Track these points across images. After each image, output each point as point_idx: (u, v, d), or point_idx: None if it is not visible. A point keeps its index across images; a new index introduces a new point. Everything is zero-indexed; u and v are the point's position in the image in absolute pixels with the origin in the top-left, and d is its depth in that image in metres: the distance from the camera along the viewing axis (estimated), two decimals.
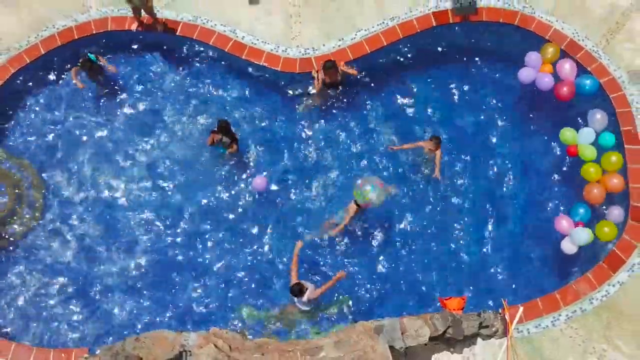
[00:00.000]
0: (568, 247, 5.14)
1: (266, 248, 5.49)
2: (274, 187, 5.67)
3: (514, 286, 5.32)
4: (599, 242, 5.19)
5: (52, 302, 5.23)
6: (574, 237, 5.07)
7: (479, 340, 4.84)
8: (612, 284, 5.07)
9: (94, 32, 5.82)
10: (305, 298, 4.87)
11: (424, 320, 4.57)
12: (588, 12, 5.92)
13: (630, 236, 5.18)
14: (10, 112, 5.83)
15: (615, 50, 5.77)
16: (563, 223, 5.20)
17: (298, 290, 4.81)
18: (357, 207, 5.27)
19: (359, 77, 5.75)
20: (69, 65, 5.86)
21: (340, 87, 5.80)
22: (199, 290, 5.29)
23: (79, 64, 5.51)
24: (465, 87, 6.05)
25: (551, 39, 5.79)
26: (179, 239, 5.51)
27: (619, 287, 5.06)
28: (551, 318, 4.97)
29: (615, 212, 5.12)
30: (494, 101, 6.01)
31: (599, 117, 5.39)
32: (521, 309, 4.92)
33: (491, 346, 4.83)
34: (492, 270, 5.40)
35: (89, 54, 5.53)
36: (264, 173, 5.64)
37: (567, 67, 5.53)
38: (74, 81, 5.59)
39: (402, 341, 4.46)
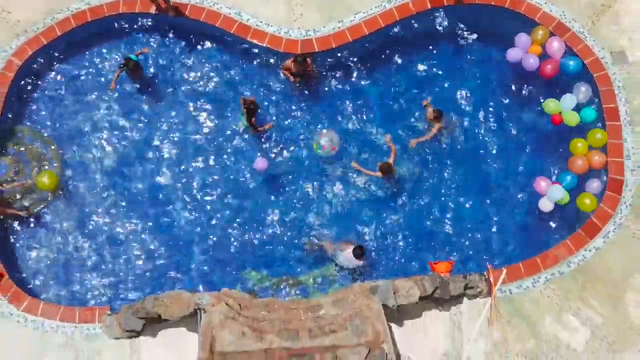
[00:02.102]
0: (545, 204, 5.29)
1: (273, 218, 5.63)
2: (285, 155, 5.77)
3: (499, 251, 5.47)
4: (578, 212, 5.31)
5: (77, 265, 5.43)
6: (550, 194, 5.19)
7: (465, 299, 5.02)
8: (589, 249, 5.20)
9: (106, 14, 5.78)
10: (360, 263, 5.03)
11: (414, 281, 4.75)
12: None
13: (607, 206, 5.28)
14: (29, 92, 5.86)
15: (601, 31, 5.72)
16: (542, 184, 5.32)
17: (361, 254, 4.96)
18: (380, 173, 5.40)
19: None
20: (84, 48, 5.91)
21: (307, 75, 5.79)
22: (210, 254, 5.48)
23: (121, 66, 5.48)
24: (458, 66, 6.03)
25: (540, 21, 5.74)
26: (192, 207, 5.66)
27: (594, 252, 5.19)
28: (531, 280, 5.13)
29: (594, 185, 5.21)
30: (485, 79, 6.00)
31: (583, 89, 5.44)
32: (504, 271, 5.08)
33: (476, 305, 5.01)
34: (479, 236, 5.54)
35: (130, 55, 5.53)
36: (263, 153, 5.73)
37: (555, 45, 5.51)
38: (112, 85, 5.61)
39: (395, 300, 4.65)
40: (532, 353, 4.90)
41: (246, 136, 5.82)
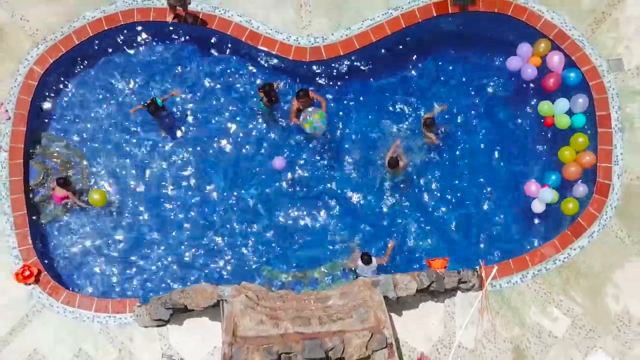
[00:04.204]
0: (537, 206, 6.91)
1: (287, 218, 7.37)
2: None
3: (491, 249, 7.22)
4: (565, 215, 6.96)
5: (109, 262, 7.22)
6: (541, 197, 6.80)
7: (459, 293, 6.77)
8: (574, 248, 6.89)
9: (121, 22, 7.23)
10: (373, 265, 6.63)
11: (412, 276, 6.47)
12: (577, 2, 7.24)
13: (594, 208, 6.94)
14: (52, 99, 7.44)
15: (599, 39, 7.17)
16: (532, 187, 6.93)
17: (368, 260, 6.55)
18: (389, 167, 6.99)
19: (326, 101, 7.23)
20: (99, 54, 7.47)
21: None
22: (229, 253, 7.26)
23: (145, 104, 6.87)
24: (461, 73, 7.58)
25: (541, 29, 7.17)
26: (211, 208, 7.38)
27: (579, 250, 6.88)
28: (520, 275, 6.85)
29: (580, 189, 6.84)
30: (486, 85, 7.54)
31: (580, 101, 6.92)
32: (496, 268, 6.78)
33: (468, 297, 6.76)
34: (474, 235, 7.28)
35: (156, 98, 6.94)
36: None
37: (555, 59, 6.92)
38: (133, 109, 7.14)
39: (395, 292, 6.37)
40: (517, 339, 6.70)
41: (265, 136, 7.44)
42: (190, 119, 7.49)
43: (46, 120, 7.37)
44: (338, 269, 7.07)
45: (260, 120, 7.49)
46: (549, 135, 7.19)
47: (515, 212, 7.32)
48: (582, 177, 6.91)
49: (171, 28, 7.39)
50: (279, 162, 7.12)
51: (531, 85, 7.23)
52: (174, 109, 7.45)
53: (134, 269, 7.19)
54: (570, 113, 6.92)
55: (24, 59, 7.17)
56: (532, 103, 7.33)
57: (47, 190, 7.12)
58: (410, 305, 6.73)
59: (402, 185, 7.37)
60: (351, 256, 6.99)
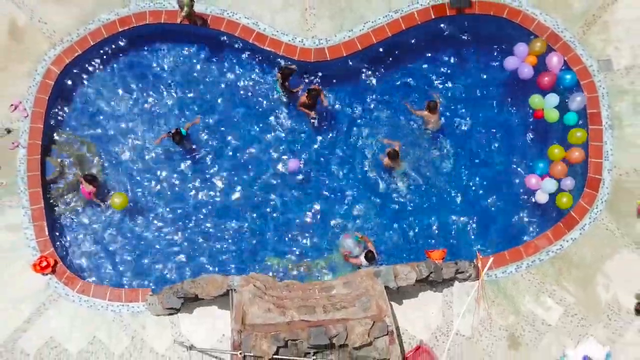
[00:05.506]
0: (541, 197, 7.22)
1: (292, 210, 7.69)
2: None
3: (487, 240, 7.52)
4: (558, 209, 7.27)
5: (122, 252, 7.51)
6: (544, 187, 7.12)
7: (456, 282, 7.07)
8: (566, 240, 7.20)
9: (134, 24, 7.54)
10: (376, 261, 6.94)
11: (412, 267, 6.77)
12: (569, 5, 7.56)
13: (585, 202, 7.25)
14: (68, 98, 7.73)
15: (590, 40, 7.50)
16: (532, 180, 7.25)
17: (372, 257, 6.88)
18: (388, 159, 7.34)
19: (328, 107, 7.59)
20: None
21: (314, 112, 7.57)
22: (235, 245, 7.59)
23: (170, 134, 7.21)
24: (460, 71, 7.90)
25: (535, 30, 7.49)
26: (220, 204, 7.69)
27: (571, 242, 7.19)
28: (515, 266, 7.15)
29: (567, 182, 7.15)
30: (484, 82, 7.86)
31: (578, 99, 7.24)
32: (491, 259, 7.09)
33: (465, 287, 7.06)
34: (470, 228, 7.57)
35: (181, 128, 7.25)
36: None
37: (554, 60, 7.23)
38: (157, 140, 7.48)
39: (395, 282, 6.67)
40: (512, 327, 6.99)
41: (277, 133, 7.78)
42: (201, 112, 7.81)
43: (62, 118, 7.66)
44: (339, 259, 7.37)
45: (271, 102, 7.77)
46: (541, 127, 7.51)
47: (511, 204, 7.62)
48: (569, 172, 7.21)
49: (182, 31, 7.71)
50: (292, 163, 7.44)
51: (530, 84, 7.53)
52: (197, 137, 7.75)
53: (147, 260, 7.47)
54: (564, 110, 7.24)
55: (41, 59, 7.48)
56: (526, 99, 7.63)
57: (62, 184, 7.43)
58: (410, 294, 7.03)
59: (401, 179, 7.68)
60: (352, 251, 7.29)
